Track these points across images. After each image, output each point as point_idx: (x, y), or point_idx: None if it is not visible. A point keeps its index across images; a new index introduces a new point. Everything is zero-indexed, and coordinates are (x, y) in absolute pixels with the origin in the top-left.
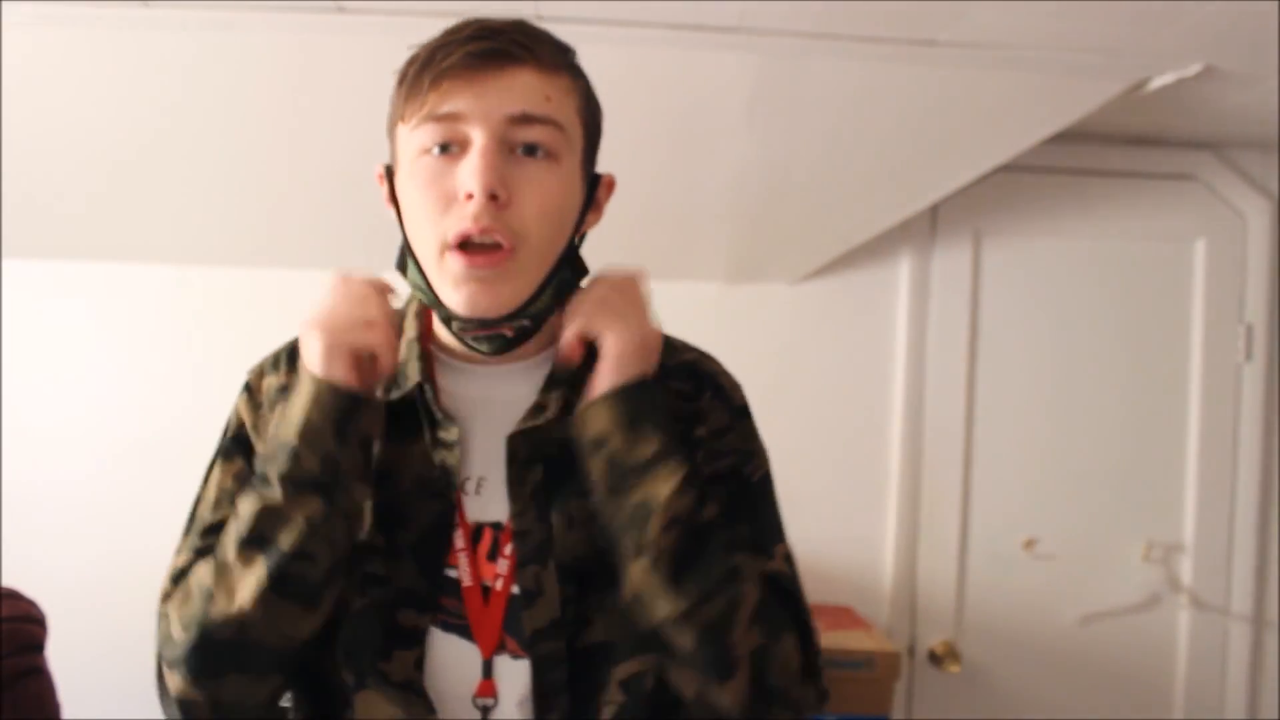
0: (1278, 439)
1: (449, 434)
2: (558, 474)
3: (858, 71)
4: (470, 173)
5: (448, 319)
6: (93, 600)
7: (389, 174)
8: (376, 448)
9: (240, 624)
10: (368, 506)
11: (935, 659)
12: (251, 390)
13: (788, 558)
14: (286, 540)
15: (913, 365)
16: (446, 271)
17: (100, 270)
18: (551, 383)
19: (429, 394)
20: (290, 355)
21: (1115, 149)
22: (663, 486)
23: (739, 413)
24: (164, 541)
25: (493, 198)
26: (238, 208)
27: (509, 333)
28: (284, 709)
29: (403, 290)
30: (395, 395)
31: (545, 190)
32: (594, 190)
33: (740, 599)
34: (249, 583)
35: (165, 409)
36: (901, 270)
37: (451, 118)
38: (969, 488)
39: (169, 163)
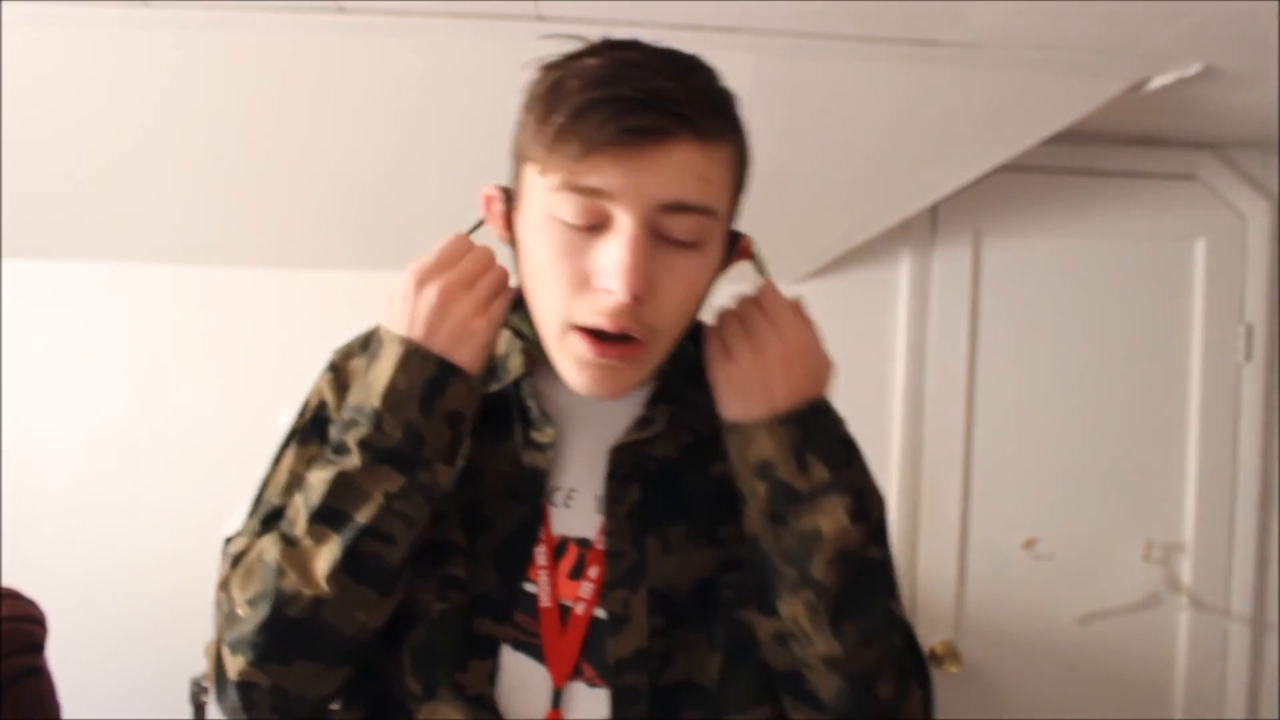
0: (1278, 439)
1: (544, 435)
2: (656, 494)
3: (858, 71)
4: (614, 269)
5: None
6: (93, 600)
7: (505, 197)
8: (467, 444)
9: (314, 603)
10: (452, 504)
11: (935, 658)
12: (337, 370)
13: (899, 603)
14: (363, 515)
15: (913, 365)
16: (568, 349)
17: (100, 270)
18: (660, 396)
19: (527, 391)
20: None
21: (1115, 149)
22: (829, 519)
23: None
24: (164, 541)
25: (635, 298)
26: (238, 208)
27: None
28: (332, 710)
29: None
30: (494, 388)
31: (687, 282)
32: (731, 248)
33: (891, 648)
34: (322, 560)
35: (165, 409)
36: (901, 270)
37: (597, 193)
38: (969, 487)
39: (169, 162)
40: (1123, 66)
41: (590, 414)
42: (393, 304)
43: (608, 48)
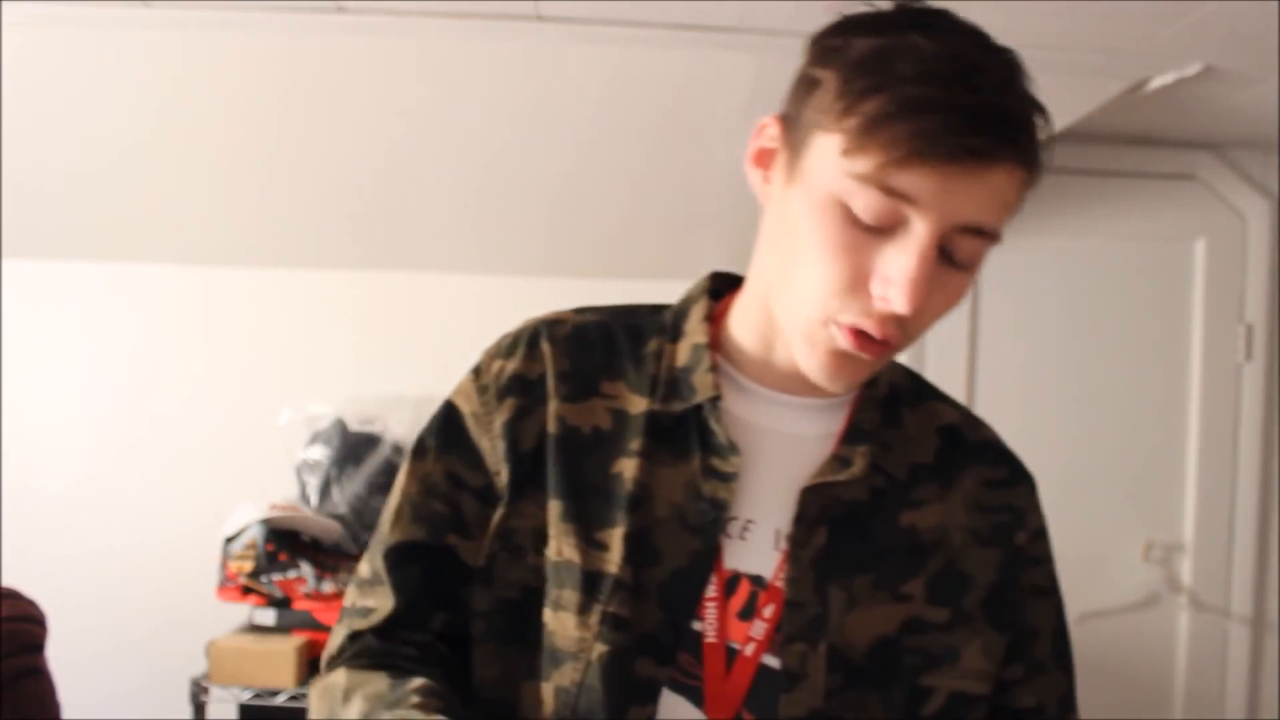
0: (1278, 439)
1: (728, 465)
2: (843, 540)
3: None
4: (901, 281)
5: None
6: (93, 600)
7: (782, 129)
8: (634, 468)
9: None
10: (618, 535)
11: None
12: (480, 371)
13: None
14: None
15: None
16: (819, 338)
17: (100, 270)
18: (857, 434)
19: (714, 414)
20: (532, 339)
21: (1115, 149)
22: None
23: (1041, 510)
24: (164, 541)
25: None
26: (238, 208)
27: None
28: None
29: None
30: (678, 407)
31: (950, 300)
32: None
33: None
34: None
35: (165, 409)
36: None
37: (902, 197)
38: None
39: (169, 162)
40: (1123, 66)
41: (777, 441)
42: None
43: (928, 23)
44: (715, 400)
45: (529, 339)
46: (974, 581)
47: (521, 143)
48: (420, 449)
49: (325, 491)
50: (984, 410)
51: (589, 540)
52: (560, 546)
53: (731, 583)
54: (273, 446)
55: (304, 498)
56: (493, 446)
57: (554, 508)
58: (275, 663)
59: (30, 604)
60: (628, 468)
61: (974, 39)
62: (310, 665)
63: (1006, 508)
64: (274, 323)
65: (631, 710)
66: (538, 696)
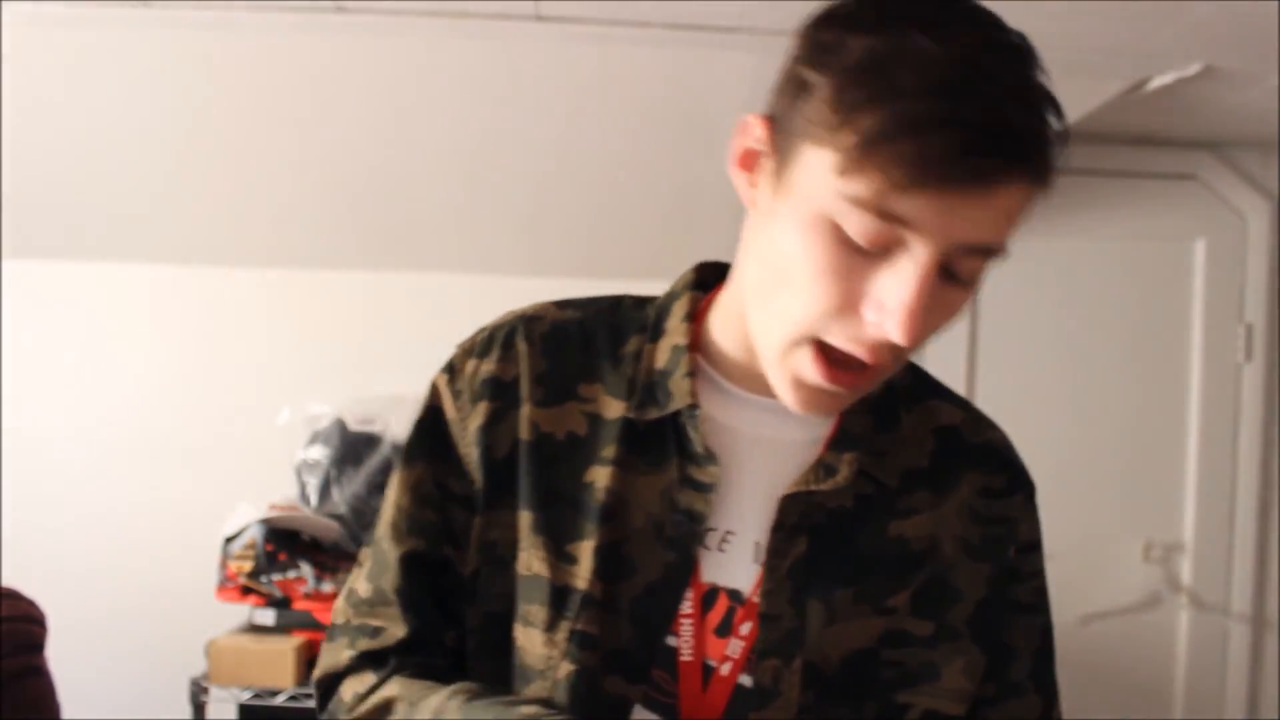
0: (1278, 439)
1: (706, 475)
2: (824, 550)
3: None
4: (897, 310)
5: None
6: (93, 600)
7: (768, 131)
8: (608, 477)
9: None
10: (588, 547)
11: None
12: (454, 371)
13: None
14: None
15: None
16: (789, 364)
17: (101, 270)
18: (845, 440)
19: (693, 423)
20: (507, 338)
21: (1115, 149)
22: None
23: (1038, 521)
24: (164, 541)
25: None
26: (238, 208)
27: None
28: None
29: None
30: (653, 415)
31: (951, 314)
32: None
33: None
34: None
35: (165, 409)
36: None
37: (901, 221)
38: None
39: (169, 162)
40: (1123, 66)
41: (760, 448)
42: None
43: (934, 17)
44: (692, 408)
45: (504, 338)
46: (962, 596)
47: (521, 143)
48: (409, 456)
49: (325, 491)
50: (983, 409)
51: (558, 553)
52: (529, 560)
53: (709, 597)
54: (272, 446)
55: (304, 498)
56: (469, 454)
57: (524, 519)
58: (275, 663)
59: (30, 604)
60: (601, 476)
61: (985, 34)
62: (309, 665)
63: (1002, 518)
64: (274, 323)
65: None
66: None
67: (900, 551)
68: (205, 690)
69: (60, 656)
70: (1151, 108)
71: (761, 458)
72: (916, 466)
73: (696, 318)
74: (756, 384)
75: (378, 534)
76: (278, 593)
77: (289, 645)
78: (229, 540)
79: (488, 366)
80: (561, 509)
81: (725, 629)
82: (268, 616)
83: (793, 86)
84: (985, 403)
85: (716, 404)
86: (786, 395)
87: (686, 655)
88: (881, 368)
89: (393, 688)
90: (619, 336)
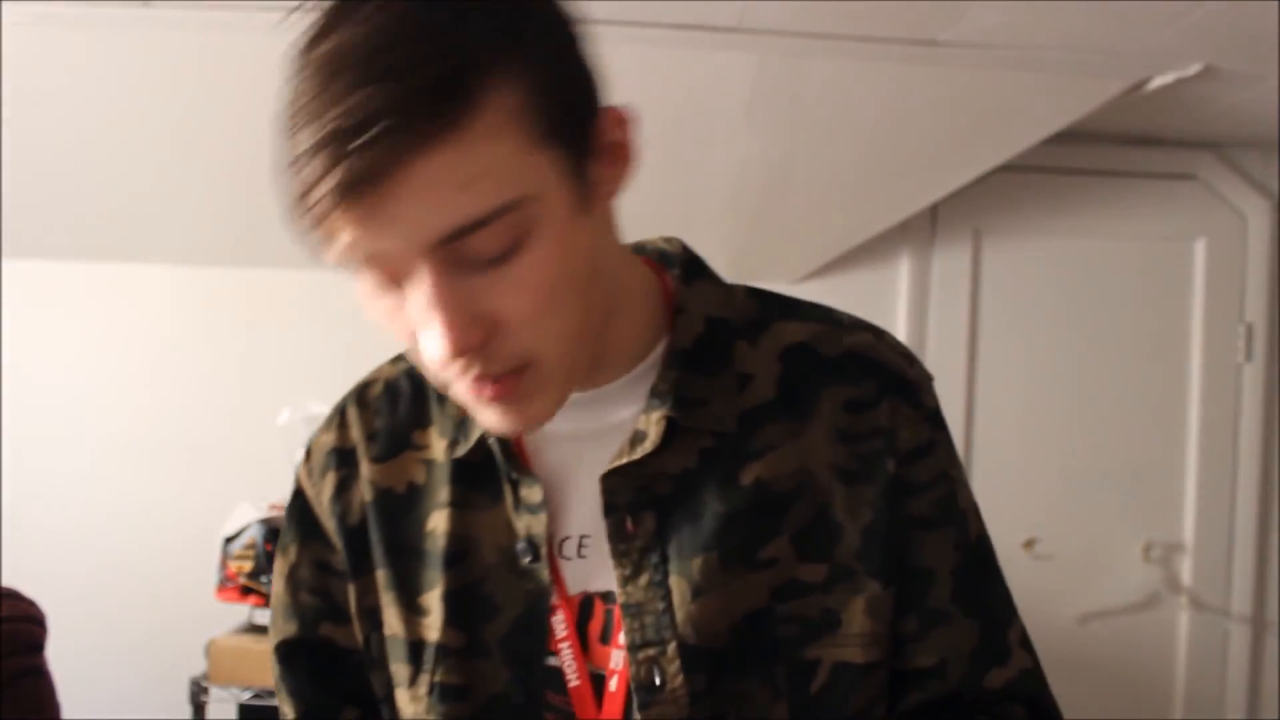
0: (1278, 439)
1: (533, 494)
2: (676, 521)
3: (858, 71)
4: (429, 334)
5: None
6: (93, 600)
7: None
8: (445, 520)
9: None
10: (436, 596)
11: None
12: (309, 451)
13: (1024, 641)
14: None
15: None
16: (454, 394)
17: (100, 270)
18: (653, 400)
19: (501, 444)
20: (341, 408)
21: (1115, 149)
22: None
23: (935, 421)
24: (164, 541)
25: (470, 349)
26: (238, 208)
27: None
28: None
29: None
30: (460, 451)
31: (533, 289)
32: (586, 149)
33: None
34: None
35: (165, 409)
36: (901, 270)
37: (374, 259)
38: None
39: (169, 162)
40: (1123, 66)
41: (585, 443)
42: None
43: (320, 32)
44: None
45: (339, 409)
46: (843, 528)
47: None
48: (282, 545)
49: None
50: (984, 411)
51: (410, 607)
52: (388, 618)
53: (586, 606)
54: (273, 446)
55: None
56: (329, 526)
57: (380, 577)
58: None
59: (30, 604)
60: (440, 521)
61: (361, 33)
62: None
63: (875, 430)
64: (274, 323)
65: None
66: None
67: (763, 496)
68: (205, 690)
69: (60, 656)
70: (1151, 108)
71: (589, 451)
72: (761, 400)
73: None
74: None
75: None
76: None
77: None
78: (229, 540)
79: (329, 438)
80: (408, 562)
81: (608, 635)
82: (268, 617)
83: None
84: (985, 402)
85: None
86: (481, 421)
87: (573, 680)
88: (509, 366)
89: None
90: None
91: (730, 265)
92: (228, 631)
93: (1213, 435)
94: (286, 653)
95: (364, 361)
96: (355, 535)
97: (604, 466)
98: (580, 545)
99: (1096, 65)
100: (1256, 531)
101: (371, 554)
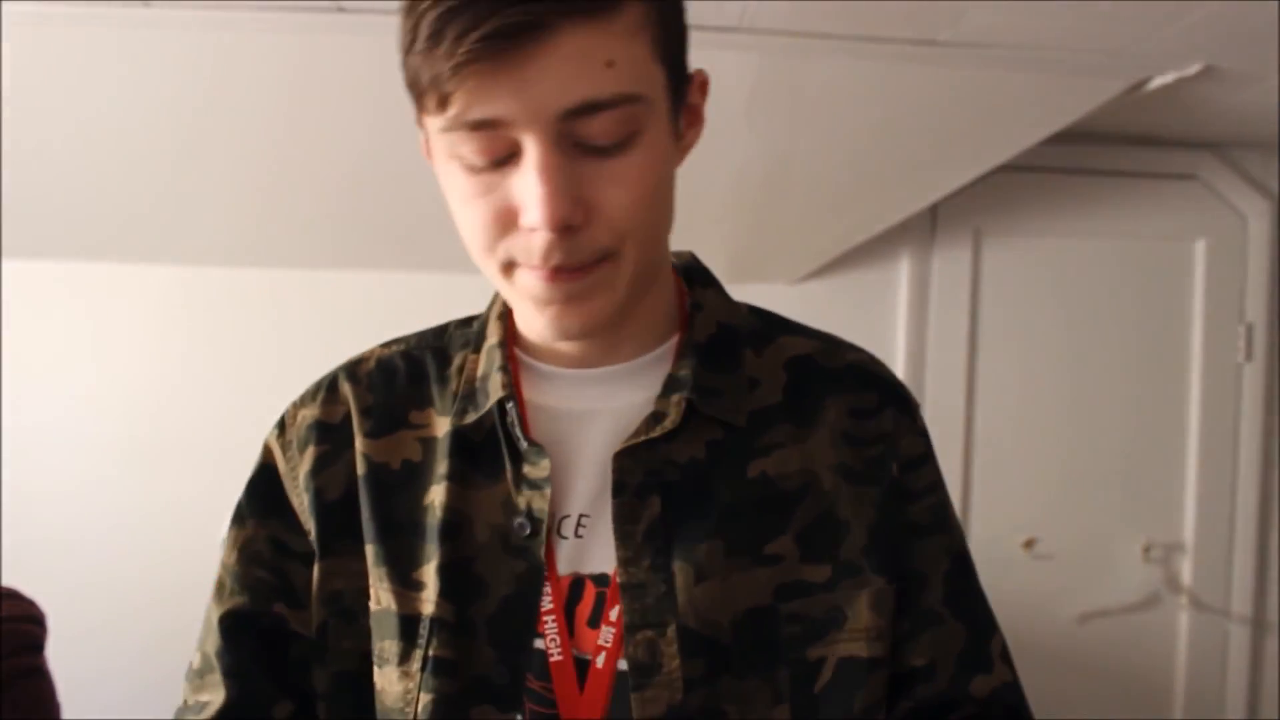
0: (1278, 439)
1: (538, 469)
2: (680, 507)
3: (858, 71)
4: (532, 204)
5: None
6: (93, 600)
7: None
8: (444, 493)
9: None
10: (432, 569)
11: None
12: (283, 424)
13: (1005, 655)
14: None
15: (912, 365)
16: (521, 288)
17: (100, 270)
18: (673, 384)
19: (513, 416)
20: (331, 383)
21: (1115, 149)
22: None
23: (926, 437)
24: (163, 541)
25: (566, 228)
26: (238, 208)
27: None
28: None
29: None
30: (470, 418)
31: (633, 186)
32: (683, 90)
33: None
34: None
35: (165, 409)
36: (901, 270)
37: (488, 125)
38: (969, 487)
39: (169, 162)
40: (1123, 66)
41: (594, 423)
42: None
43: None
44: (508, 400)
45: (329, 383)
46: (849, 526)
47: None
48: (239, 515)
49: None
50: (984, 410)
51: (404, 582)
52: (378, 594)
53: (575, 588)
54: None
55: None
56: (300, 503)
57: (369, 553)
58: None
59: (30, 604)
60: (437, 495)
61: None
62: None
63: (878, 436)
64: (274, 323)
65: None
66: None
67: (768, 492)
68: None
69: (60, 656)
70: (1151, 108)
71: (598, 431)
72: (768, 403)
73: (509, 315)
74: (574, 358)
75: (208, 602)
76: None
77: None
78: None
79: (312, 412)
80: (403, 537)
81: (597, 619)
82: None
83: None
84: (985, 403)
85: (541, 390)
86: (536, 324)
87: (556, 656)
88: (588, 258)
89: None
90: (445, 358)
91: (730, 265)
92: None
93: (1213, 435)
94: (231, 624)
95: None
96: (333, 511)
97: (608, 447)
98: (579, 524)
99: (1096, 65)
100: (1256, 531)
101: (354, 530)
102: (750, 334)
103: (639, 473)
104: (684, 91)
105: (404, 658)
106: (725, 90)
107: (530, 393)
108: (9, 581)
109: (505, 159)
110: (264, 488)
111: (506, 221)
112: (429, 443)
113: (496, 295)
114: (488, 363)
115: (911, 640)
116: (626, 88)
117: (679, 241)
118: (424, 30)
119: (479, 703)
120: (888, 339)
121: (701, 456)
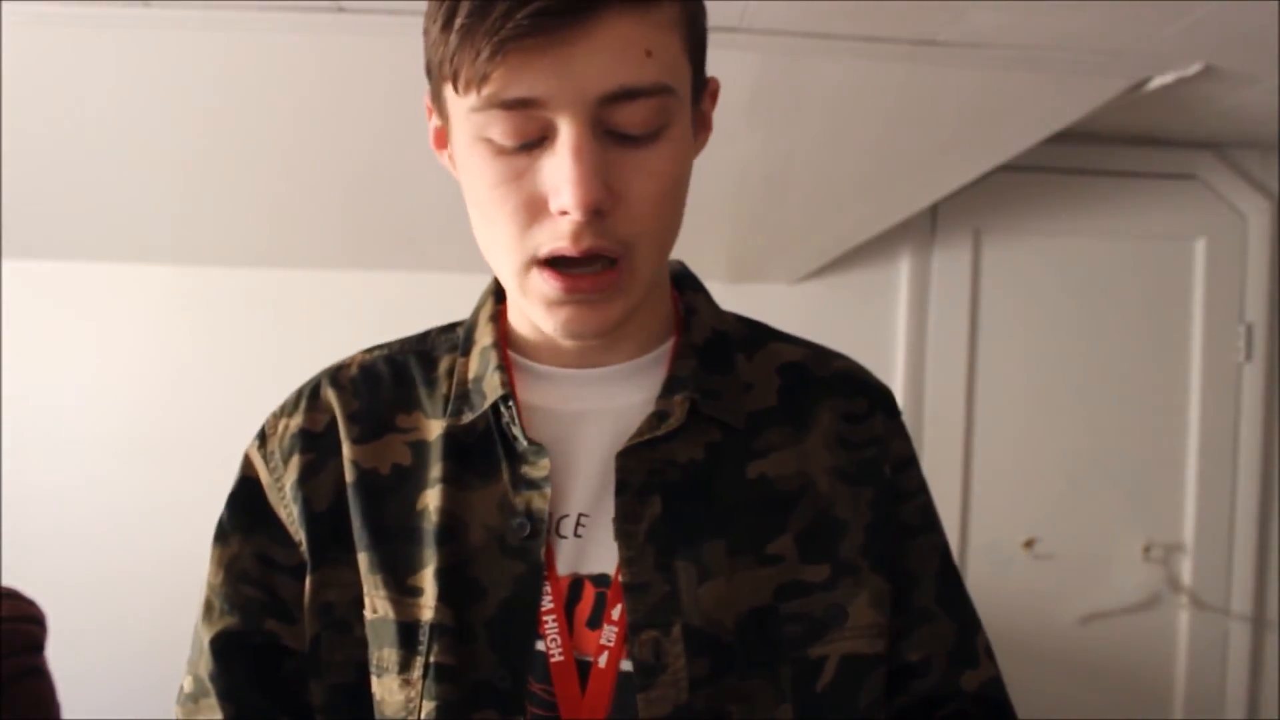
0: (1278, 439)
1: (537, 469)
2: (682, 507)
3: (858, 71)
4: (564, 184)
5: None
6: (93, 600)
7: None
8: (438, 496)
9: None
10: (429, 573)
11: None
12: (264, 435)
13: (989, 650)
14: None
15: (912, 365)
16: (534, 290)
17: (100, 270)
18: (674, 384)
19: (510, 416)
20: (313, 390)
21: (1115, 149)
22: None
23: (910, 442)
24: (163, 541)
25: (596, 212)
26: (238, 208)
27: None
28: None
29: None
30: (467, 418)
31: (659, 178)
32: (701, 93)
33: None
34: None
35: (165, 409)
36: (901, 270)
37: (525, 104)
38: (969, 487)
39: (169, 163)
40: (1123, 66)
41: (593, 423)
42: None
43: None
44: (505, 400)
45: (310, 391)
46: (848, 526)
47: None
48: (221, 533)
49: None
50: (984, 411)
51: (401, 588)
52: (374, 602)
53: (575, 588)
54: None
55: None
56: (289, 514)
57: (363, 561)
58: None
59: (30, 604)
60: (432, 498)
61: None
62: None
63: (871, 439)
64: (274, 323)
65: None
66: None
67: (767, 492)
68: None
69: (60, 657)
70: (1151, 108)
71: (597, 431)
72: (764, 406)
73: (500, 317)
74: (571, 358)
75: (196, 623)
76: None
77: None
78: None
79: (296, 421)
80: (398, 543)
81: (597, 619)
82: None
83: (426, 60)
84: (985, 403)
85: (538, 391)
86: (547, 324)
87: (556, 655)
88: (616, 263)
89: None
90: (431, 362)
91: (730, 265)
92: None
93: (1213, 435)
94: (224, 646)
95: None
96: (322, 521)
97: (608, 447)
98: (578, 524)
99: (1096, 65)
100: (1256, 531)
101: (344, 539)
102: (740, 339)
103: (641, 472)
104: (701, 95)
105: (404, 666)
106: (725, 90)
107: (525, 393)
108: (9, 581)
109: (535, 142)
110: (247, 501)
111: (535, 209)
112: (419, 446)
113: (484, 299)
114: (481, 364)
115: (906, 636)
116: (663, 78)
117: (680, 239)
118: (466, 6)
119: (482, 708)
120: (888, 339)
121: (700, 457)
